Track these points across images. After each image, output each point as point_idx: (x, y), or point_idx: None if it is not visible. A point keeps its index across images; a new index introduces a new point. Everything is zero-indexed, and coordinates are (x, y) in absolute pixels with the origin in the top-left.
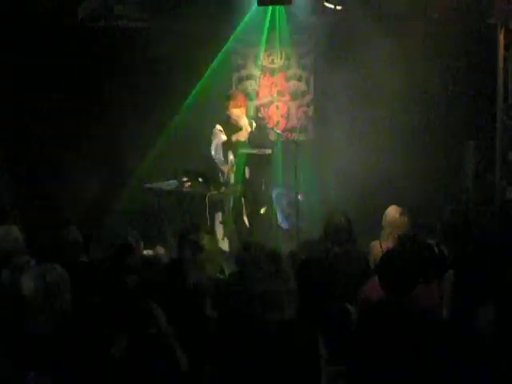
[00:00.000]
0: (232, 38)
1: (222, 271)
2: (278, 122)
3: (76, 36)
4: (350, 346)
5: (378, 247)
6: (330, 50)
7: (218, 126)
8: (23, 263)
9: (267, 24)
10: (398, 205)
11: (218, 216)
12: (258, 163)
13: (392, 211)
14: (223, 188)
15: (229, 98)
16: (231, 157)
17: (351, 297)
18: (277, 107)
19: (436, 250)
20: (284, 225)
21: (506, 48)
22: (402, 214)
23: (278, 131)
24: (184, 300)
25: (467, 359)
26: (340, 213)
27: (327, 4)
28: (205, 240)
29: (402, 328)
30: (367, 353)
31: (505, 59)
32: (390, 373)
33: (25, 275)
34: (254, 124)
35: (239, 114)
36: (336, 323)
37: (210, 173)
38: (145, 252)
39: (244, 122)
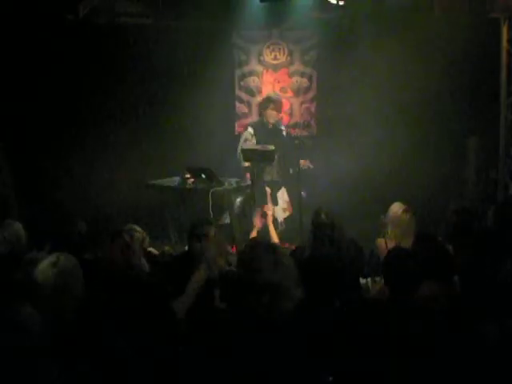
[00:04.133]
0: (234, 34)
1: (229, 264)
2: (281, 119)
3: (77, 33)
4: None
5: (384, 245)
6: (333, 46)
7: (250, 130)
8: (34, 258)
9: (270, 20)
10: (402, 201)
11: (221, 212)
12: (260, 159)
13: (395, 208)
14: (226, 184)
15: (269, 100)
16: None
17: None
18: None
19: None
20: None
21: (510, 42)
22: (405, 210)
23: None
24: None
25: (470, 360)
26: (323, 210)
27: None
28: (214, 234)
29: (403, 327)
30: (367, 350)
31: (508, 53)
32: (389, 371)
33: (39, 264)
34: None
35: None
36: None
37: (212, 169)
38: (150, 249)
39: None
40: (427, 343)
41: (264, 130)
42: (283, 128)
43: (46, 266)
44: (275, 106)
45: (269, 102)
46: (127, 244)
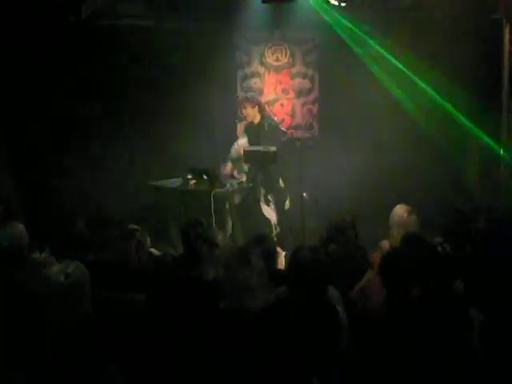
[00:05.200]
0: (236, 35)
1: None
2: (282, 120)
3: (80, 34)
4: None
5: (388, 247)
6: (334, 48)
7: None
8: (41, 260)
9: (272, 21)
10: (405, 203)
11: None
12: (263, 161)
13: (399, 210)
14: (228, 185)
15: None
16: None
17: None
18: (281, 105)
19: (440, 249)
20: None
21: None
22: (409, 212)
23: (283, 129)
24: (199, 294)
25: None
26: (346, 212)
27: (332, 1)
28: (219, 237)
29: (401, 327)
30: (367, 350)
31: (510, 54)
32: (388, 371)
33: (48, 272)
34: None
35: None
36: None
37: (214, 170)
38: (151, 250)
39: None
40: (426, 343)
41: (252, 130)
42: (265, 121)
43: (56, 273)
44: (245, 104)
45: (241, 103)
46: (141, 243)
